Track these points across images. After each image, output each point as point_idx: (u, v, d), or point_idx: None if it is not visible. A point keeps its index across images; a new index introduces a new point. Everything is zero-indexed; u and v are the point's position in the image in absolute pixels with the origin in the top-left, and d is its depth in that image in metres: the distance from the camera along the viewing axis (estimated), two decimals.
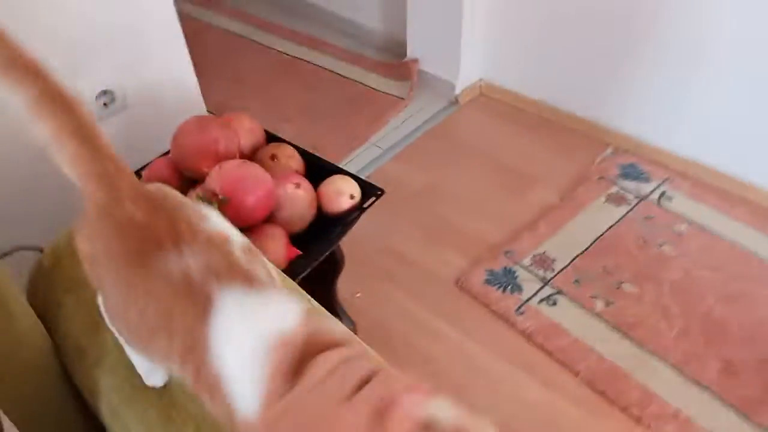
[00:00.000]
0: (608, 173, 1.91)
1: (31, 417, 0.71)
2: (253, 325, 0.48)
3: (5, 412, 0.65)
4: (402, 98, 2.23)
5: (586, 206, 1.81)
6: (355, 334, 1.53)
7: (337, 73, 2.39)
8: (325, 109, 2.23)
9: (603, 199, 1.83)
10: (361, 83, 2.33)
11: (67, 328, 0.74)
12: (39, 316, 0.77)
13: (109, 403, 0.69)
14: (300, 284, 0.87)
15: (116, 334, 0.62)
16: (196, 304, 0.48)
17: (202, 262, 0.50)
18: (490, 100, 2.26)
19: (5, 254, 0.72)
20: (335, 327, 0.52)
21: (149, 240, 0.51)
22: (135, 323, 0.54)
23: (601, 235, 1.73)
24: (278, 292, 0.54)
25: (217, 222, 0.56)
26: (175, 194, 0.58)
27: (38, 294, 0.79)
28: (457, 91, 2.21)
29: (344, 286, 1.61)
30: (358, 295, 1.64)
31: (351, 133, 2.11)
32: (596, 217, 1.78)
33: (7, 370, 0.69)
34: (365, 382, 0.43)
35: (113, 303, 0.57)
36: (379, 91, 2.29)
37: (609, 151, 2.00)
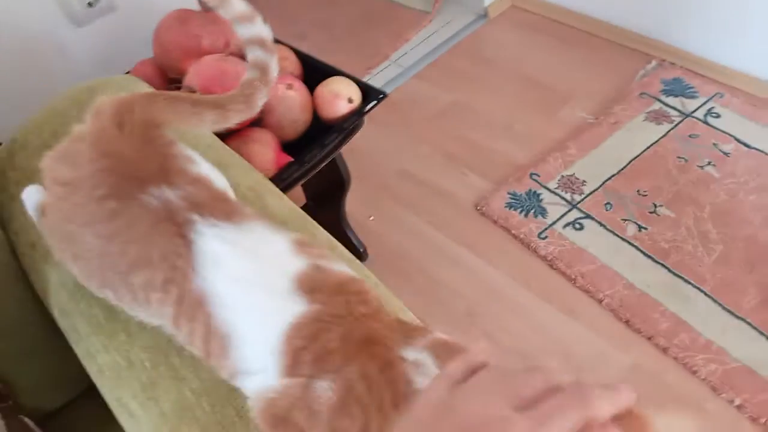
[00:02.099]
0: (650, 89, 1.73)
1: None
2: (235, 256, 0.48)
3: None
4: (426, 12, 2.07)
5: (623, 125, 1.65)
6: (365, 258, 1.47)
7: None
8: (344, 26, 2.10)
9: (642, 116, 1.66)
10: None
11: (20, 222, 0.69)
12: None
13: (59, 302, 0.64)
14: (305, 207, 0.81)
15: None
16: (178, 233, 0.49)
17: (185, 196, 0.50)
18: (521, 12, 2.07)
19: None
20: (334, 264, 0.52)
21: (136, 175, 0.51)
22: (116, 260, 0.51)
23: (638, 155, 1.58)
24: (263, 225, 0.53)
25: (203, 166, 0.57)
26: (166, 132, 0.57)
27: None
28: (486, 3, 2.02)
29: (358, 210, 1.53)
30: (372, 218, 1.56)
31: (370, 51, 1.97)
32: (634, 137, 1.62)
33: None
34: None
35: (91, 240, 0.52)
36: (401, 5, 2.13)
37: (652, 64, 1.80)
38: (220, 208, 0.51)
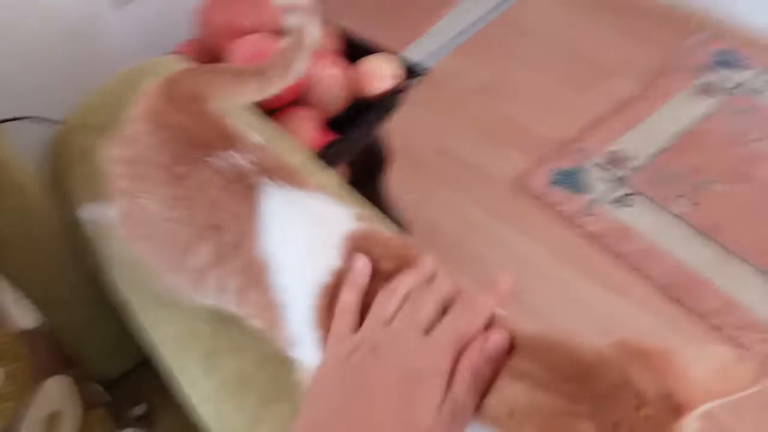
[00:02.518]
0: (699, 61, 1.67)
1: (48, 289, 0.69)
2: (303, 221, 0.48)
3: (21, 282, 0.62)
4: None
5: (670, 98, 1.60)
6: (408, 232, 1.47)
7: None
8: (377, 3, 2.08)
9: (691, 89, 1.61)
10: None
11: (79, 198, 0.71)
12: (53, 188, 0.74)
13: (120, 275, 0.66)
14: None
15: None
16: (246, 194, 0.48)
17: (252, 160, 0.50)
18: None
19: (15, 119, 0.69)
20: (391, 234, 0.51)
21: (198, 144, 0.50)
22: (178, 228, 0.50)
23: (688, 129, 1.53)
24: (327, 197, 0.52)
25: (257, 137, 0.56)
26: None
27: (52, 168, 0.76)
28: None
29: (397, 188, 1.53)
30: (412, 196, 1.56)
31: (405, 27, 1.95)
32: (682, 110, 1.57)
33: (16, 240, 0.67)
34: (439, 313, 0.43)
35: (152, 210, 0.51)
36: None
37: (702, 36, 1.74)
38: (288, 175, 0.51)
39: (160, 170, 0.50)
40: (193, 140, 0.50)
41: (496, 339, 0.40)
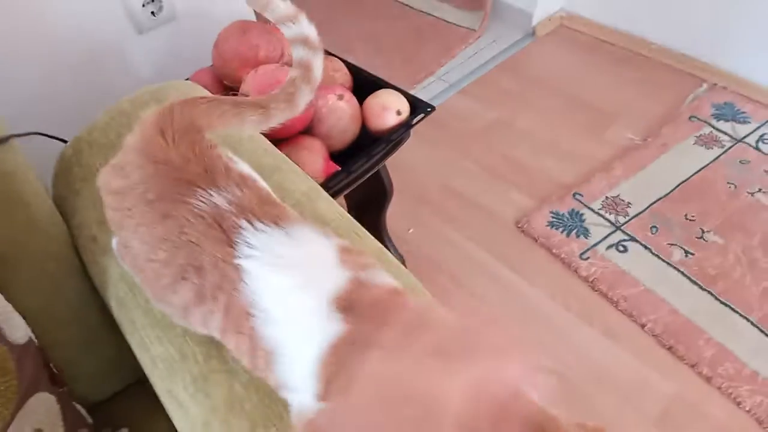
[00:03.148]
0: (700, 112, 1.70)
1: (45, 306, 0.70)
2: (280, 267, 0.48)
3: (19, 298, 0.63)
4: (473, 29, 2.08)
5: (671, 147, 1.63)
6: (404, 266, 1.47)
7: (405, 3, 2.27)
8: (390, 41, 2.13)
9: (692, 140, 1.64)
10: (429, 14, 2.20)
11: (82, 217, 0.72)
12: (59, 205, 0.75)
13: (116, 294, 0.66)
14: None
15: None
16: (227, 241, 0.48)
17: (233, 199, 0.50)
18: (570, 32, 2.07)
19: (26, 134, 0.70)
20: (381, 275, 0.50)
21: (183, 180, 0.50)
22: (160, 269, 0.51)
23: (687, 179, 1.55)
24: (309, 229, 0.51)
25: (244, 168, 0.56)
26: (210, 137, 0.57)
27: (59, 185, 0.78)
28: (534, 22, 2.03)
29: (398, 222, 1.54)
30: (411, 230, 1.57)
31: (416, 66, 2.00)
32: (682, 160, 1.59)
33: (21, 256, 0.67)
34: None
35: (137, 248, 0.52)
36: (449, 22, 2.15)
37: (703, 88, 1.78)
38: (267, 212, 0.50)
39: (144, 207, 0.50)
40: (178, 176, 0.50)
41: None
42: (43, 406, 0.58)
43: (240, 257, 0.47)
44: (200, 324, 0.51)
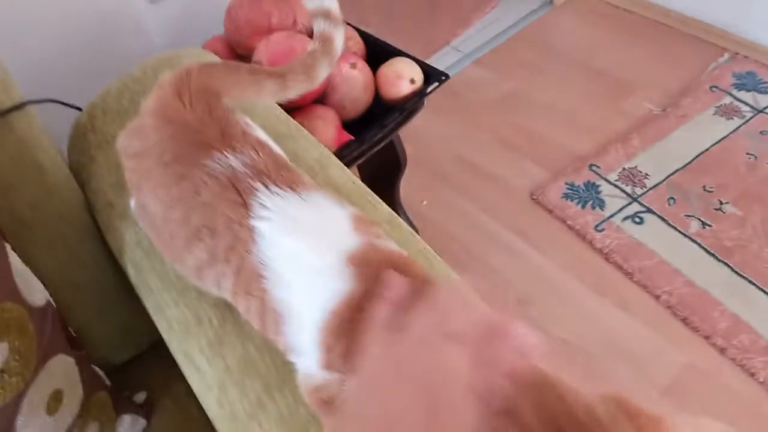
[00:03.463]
0: (721, 82, 1.66)
1: (62, 269, 0.71)
2: (293, 230, 0.47)
3: (36, 262, 0.64)
4: None
5: (690, 118, 1.60)
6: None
7: None
8: (405, 10, 2.09)
9: (712, 110, 1.60)
10: None
11: (98, 183, 0.73)
12: (74, 172, 0.76)
13: (133, 259, 0.67)
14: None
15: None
16: (241, 200, 0.48)
17: (249, 162, 0.49)
18: (588, 0, 2.02)
19: (41, 101, 0.70)
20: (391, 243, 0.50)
21: (199, 142, 0.50)
22: (175, 229, 0.51)
23: (706, 150, 1.52)
24: (324, 196, 0.51)
25: (260, 133, 0.55)
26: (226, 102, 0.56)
27: (75, 151, 0.78)
28: None
29: (411, 193, 1.54)
30: (425, 202, 1.57)
31: (431, 36, 1.97)
32: (702, 131, 1.56)
33: (38, 220, 0.68)
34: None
35: (154, 208, 0.53)
36: None
37: (724, 57, 1.73)
38: (282, 176, 0.50)
39: (161, 168, 0.51)
40: (194, 138, 0.51)
41: None
42: (62, 368, 0.59)
43: (254, 218, 0.47)
44: (213, 285, 0.51)
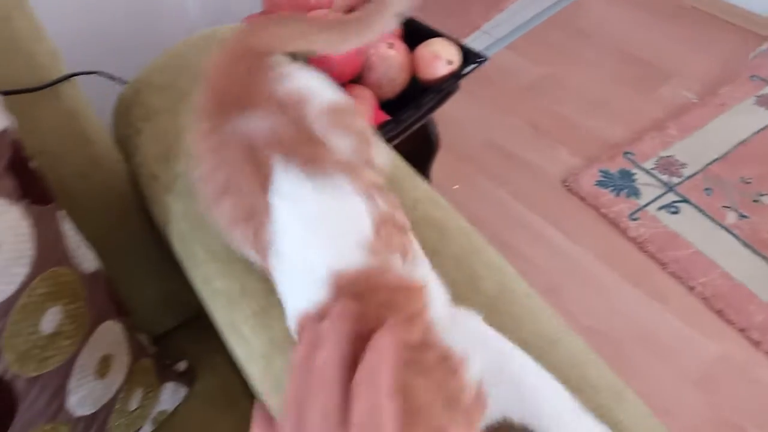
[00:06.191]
0: (762, 71, 1.62)
1: (108, 237, 0.72)
2: (305, 222, 0.45)
3: (83, 229, 0.65)
4: None
5: (729, 107, 1.56)
6: None
7: None
8: None
9: (752, 100, 1.56)
10: None
11: (143, 155, 0.73)
12: (119, 144, 0.77)
13: (179, 231, 0.68)
14: None
15: None
16: (258, 171, 0.46)
17: (273, 128, 0.47)
18: None
19: (87, 73, 0.71)
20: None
21: (232, 98, 0.49)
22: (209, 172, 0.50)
23: (745, 140, 1.49)
24: (343, 179, 0.46)
25: (301, 82, 0.51)
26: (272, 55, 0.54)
27: (120, 124, 0.79)
28: None
29: (443, 178, 1.53)
30: (456, 187, 1.56)
31: (463, 20, 1.94)
32: (741, 120, 1.53)
33: (82, 189, 0.69)
34: None
35: (201, 161, 0.52)
36: None
37: (765, 46, 1.69)
38: (304, 151, 0.47)
39: (200, 122, 0.51)
40: (228, 93, 0.50)
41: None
42: (111, 333, 0.60)
43: (269, 193, 0.46)
44: (241, 244, 0.51)
